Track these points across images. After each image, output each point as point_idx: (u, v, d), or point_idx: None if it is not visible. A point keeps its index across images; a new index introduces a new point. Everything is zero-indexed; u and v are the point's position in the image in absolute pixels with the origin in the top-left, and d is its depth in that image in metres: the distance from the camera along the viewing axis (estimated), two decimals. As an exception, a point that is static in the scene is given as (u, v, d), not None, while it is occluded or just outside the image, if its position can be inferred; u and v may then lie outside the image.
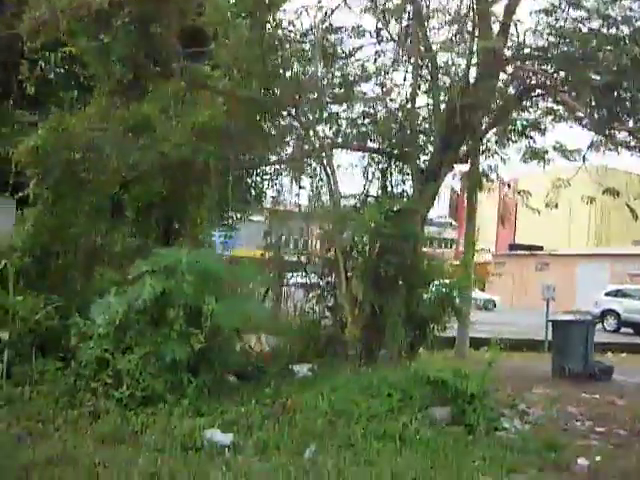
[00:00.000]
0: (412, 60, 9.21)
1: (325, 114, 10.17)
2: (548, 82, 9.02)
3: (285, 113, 8.65)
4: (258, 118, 8.72)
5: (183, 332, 6.60)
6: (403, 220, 9.05)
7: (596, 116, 8.95)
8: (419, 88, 9.84)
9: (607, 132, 9.20)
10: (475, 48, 10.15)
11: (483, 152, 13.96)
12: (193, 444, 5.74)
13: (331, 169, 8.92)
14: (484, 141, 13.65)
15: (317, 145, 8.96)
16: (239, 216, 10.23)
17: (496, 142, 13.51)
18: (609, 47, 8.09)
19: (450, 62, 10.01)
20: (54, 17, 6.52)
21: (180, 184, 8.63)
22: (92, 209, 8.23)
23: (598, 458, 6.57)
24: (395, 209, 8.89)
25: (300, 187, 9.14)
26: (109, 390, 6.45)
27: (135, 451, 5.52)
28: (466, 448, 6.42)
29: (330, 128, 9.99)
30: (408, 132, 9.37)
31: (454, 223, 60.73)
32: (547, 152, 13.35)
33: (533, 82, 9.33)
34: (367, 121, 10.07)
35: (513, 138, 13.47)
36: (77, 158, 8.10)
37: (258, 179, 9.55)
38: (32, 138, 7.89)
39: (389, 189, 9.66)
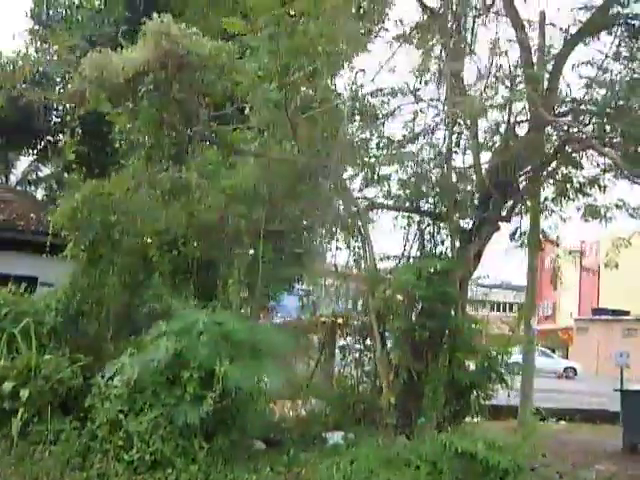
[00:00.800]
0: (448, 118, 9.02)
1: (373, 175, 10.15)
2: (583, 135, 8.62)
3: (321, 175, 8.57)
4: (293, 180, 8.70)
5: (197, 395, 6.45)
6: (440, 282, 8.72)
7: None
8: (458, 146, 9.62)
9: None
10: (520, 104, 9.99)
11: (541, 211, 13.55)
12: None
13: (366, 231, 8.75)
14: (542, 200, 13.25)
15: (353, 207, 8.84)
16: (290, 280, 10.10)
17: (553, 200, 13.12)
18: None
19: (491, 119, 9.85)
20: (83, 87, 6.86)
21: (214, 247, 8.66)
22: (125, 270, 8.36)
23: None
24: (431, 270, 8.57)
25: (337, 249, 8.98)
26: (120, 453, 6.35)
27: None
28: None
29: (380, 189, 9.93)
30: (444, 191, 9.09)
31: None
32: (607, 209, 12.82)
33: (571, 136, 8.93)
34: (407, 180, 9.88)
35: (571, 196, 13.06)
36: (113, 221, 8.29)
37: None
38: (70, 201, 8.17)
39: (427, 250, 9.33)
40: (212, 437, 6.65)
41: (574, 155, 11.34)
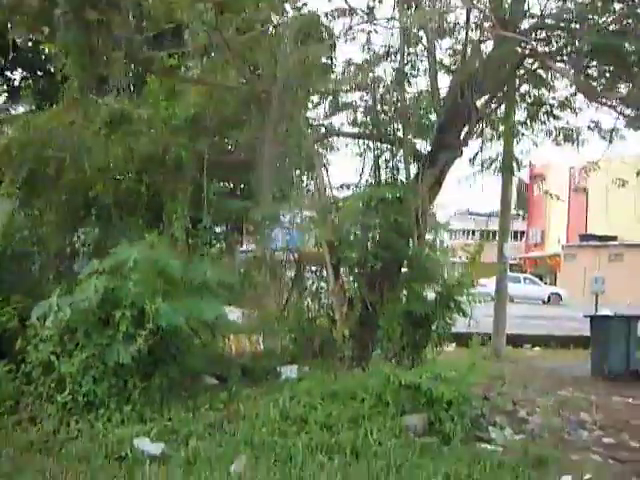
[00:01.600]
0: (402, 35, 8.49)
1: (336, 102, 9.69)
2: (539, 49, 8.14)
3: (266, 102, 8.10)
4: (237, 108, 8.24)
5: (129, 334, 6.24)
6: (393, 210, 8.42)
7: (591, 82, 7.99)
8: (414, 68, 9.12)
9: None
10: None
11: (515, 135, 13.16)
12: (118, 454, 5.38)
13: (316, 159, 8.37)
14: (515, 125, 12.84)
15: (302, 135, 8.41)
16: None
17: (523, 123, 12.70)
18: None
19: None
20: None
21: (158, 181, 8.30)
22: (64, 207, 8.02)
23: (587, 476, 5.77)
24: (383, 198, 8.25)
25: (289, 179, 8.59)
26: (53, 394, 6.19)
27: (52, 460, 5.21)
28: (430, 461, 5.75)
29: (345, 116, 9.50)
30: (399, 115, 8.65)
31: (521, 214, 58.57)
32: (580, 132, 12.43)
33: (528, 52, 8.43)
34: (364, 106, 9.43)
35: (542, 119, 12.63)
36: (48, 156, 7.89)
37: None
38: (2, 137, 7.75)
39: (383, 178, 8.96)
40: (149, 376, 6.47)
41: (542, 75, 10.90)
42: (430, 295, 8.86)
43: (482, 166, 13.63)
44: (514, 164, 13.89)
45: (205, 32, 7.59)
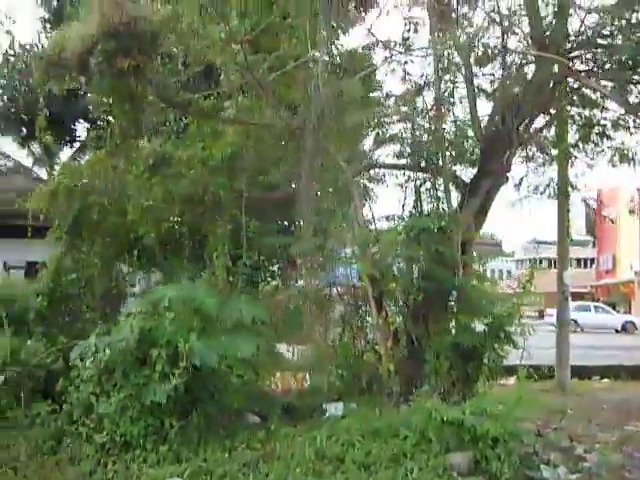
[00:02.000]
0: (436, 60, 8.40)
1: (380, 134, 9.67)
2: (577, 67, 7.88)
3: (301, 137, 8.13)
4: (274, 145, 8.31)
5: (165, 373, 6.25)
6: (435, 241, 8.22)
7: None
8: (452, 95, 8.99)
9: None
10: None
11: (568, 159, 12.81)
12: (149, 495, 5.34)
13: (354, 191, 8.31)
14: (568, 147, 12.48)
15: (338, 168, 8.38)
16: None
17: (575, 146, 12.33)
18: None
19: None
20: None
21: (199, 220, 8.42)
22: (108, 249, 8.22)
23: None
24: (423, 229, 8.06)
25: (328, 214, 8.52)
26: (92, 435, 6.25)
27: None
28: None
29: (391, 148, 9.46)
30: (438, 143, 8.50)
31: (592, 240, 56.47)
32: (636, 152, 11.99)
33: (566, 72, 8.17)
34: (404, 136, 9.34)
35: (594, 140, 12.25)
36: (92, 200, 8.15)
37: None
38: (48, 184, 8.06)
39: (425, 208, 8.80)
40: (187, 415, 6.45)
41: (590, 96, 10.57)
42: (479, 327, 8.59)
43: (537, 191, 13.40)
44: (569, 188, 13.54)
45: (238, 72, 7.71)
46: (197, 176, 8.29)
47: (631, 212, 11.90)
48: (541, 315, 37.57)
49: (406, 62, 9.11)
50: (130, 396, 6.27)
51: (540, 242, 76.20)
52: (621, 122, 11.83)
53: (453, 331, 8.46)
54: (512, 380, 14.38)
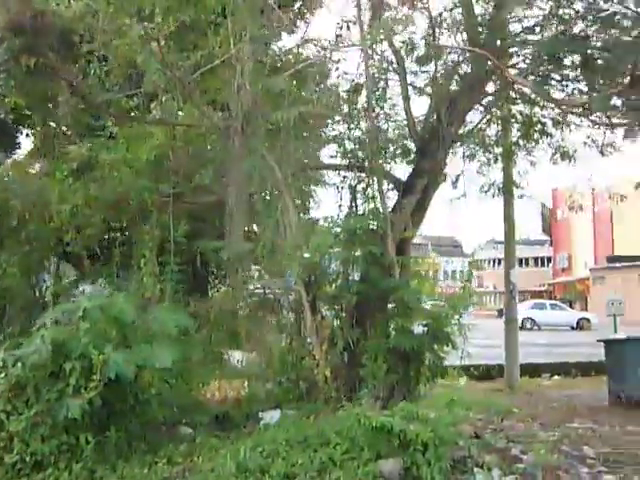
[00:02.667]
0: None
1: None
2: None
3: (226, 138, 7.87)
4: (200, 147, 8.02)
5: (80, 387, 5.91)
6: (367, 242, 8.07)
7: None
8: (385, 91, 8.85)
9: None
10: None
11: (511, 157, 12.85)
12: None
13: (284, 194, 8.07)
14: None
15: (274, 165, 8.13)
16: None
17: (517, 144, 12.35)
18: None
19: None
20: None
21: (126, 226, 8.08)
22: (28, 258, 7.82)
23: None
24: (357, 229, 7.89)
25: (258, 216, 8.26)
26: (2, 455, 5.87)
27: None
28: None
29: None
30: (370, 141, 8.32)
31: (548, 239, 57.42)
32: (575, 149, 12.06)
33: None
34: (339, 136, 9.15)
35: (535, 138, 12.30)
36: (11, 206, 7.74)
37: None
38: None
39: (359, 209, 8.62)
40: (104, 430, 6.11)
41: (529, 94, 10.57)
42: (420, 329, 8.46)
43: (482, 190, 13.38)
44: (514, 186, 13.54)
45: (160, 71, 7.41)
46: (122, 180, 7.93)
47: (571, 209, 11.92)
48: (500, 314, 37.92)
49: (339, 60, 8.92)
50: (42, 412, 5.91)
51: (498, 242, 77.61)
52: (560, 120, 11.92)
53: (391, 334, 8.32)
54: (462, 381, 14.45)
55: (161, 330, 6.43)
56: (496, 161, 13.12)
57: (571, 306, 43.23)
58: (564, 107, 8.54)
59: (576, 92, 8.55)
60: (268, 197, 8.20)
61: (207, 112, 7.80)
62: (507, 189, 13.64)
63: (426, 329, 8.33)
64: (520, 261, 69.56)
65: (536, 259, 64.20)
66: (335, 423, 6.75)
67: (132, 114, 7.98)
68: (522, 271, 64.32)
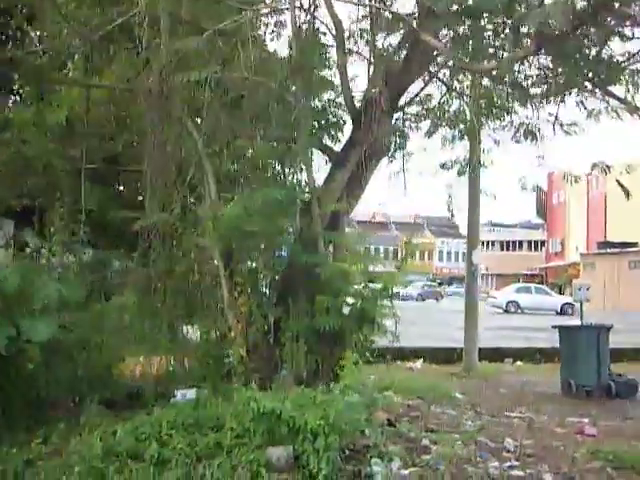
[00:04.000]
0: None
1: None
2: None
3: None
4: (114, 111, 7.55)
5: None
6: (293, 215, 7.64)
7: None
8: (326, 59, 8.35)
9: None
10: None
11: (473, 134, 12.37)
12: None
13: (207, 161, 7.63)
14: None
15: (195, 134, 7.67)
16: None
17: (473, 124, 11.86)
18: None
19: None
20: None
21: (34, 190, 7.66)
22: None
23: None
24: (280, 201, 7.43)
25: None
26: None
27: None
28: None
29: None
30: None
31: (542, 222, 56.84)
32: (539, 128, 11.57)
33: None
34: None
35: (497, 115, 11.83)
36: None
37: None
38: None
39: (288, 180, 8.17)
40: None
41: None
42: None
43: (444, 167, 12.92)
44: (478, 164, 13.06)
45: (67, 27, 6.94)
46: (34, 142, 7.49)
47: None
48: (488, 297, 37.66)
49: (267, 24, 8.41)
50: None
51: (495, 225, 77.13)
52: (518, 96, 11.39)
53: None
54: (419, 363, 14.12)
55: (43, 301, 6.02)
56: (462, 138, 12.64)
57: (560, 291, 42.89)
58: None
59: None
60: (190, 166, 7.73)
61: (124, 73, 7.30)
62: (473, 168, 13.16)
63: (350, 310, 7.88)
64: (514, 244, 69.39)
65: (530, 242, 63.70)
66: (234, 406, 6.38)
67: (43, 73, 7.50)
68: (515, 254, 64.20)
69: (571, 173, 11.71)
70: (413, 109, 12.04)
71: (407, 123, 12.22)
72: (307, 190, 7.82)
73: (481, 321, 28.08)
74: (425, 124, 12.17)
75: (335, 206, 8.07)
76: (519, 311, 33.57)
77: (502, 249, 66.74)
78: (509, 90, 10.07)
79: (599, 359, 10.79)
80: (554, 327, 11.70)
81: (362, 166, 8.43)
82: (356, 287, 7.92)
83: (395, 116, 11.61)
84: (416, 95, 9.65)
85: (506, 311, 34.05)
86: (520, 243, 65.10)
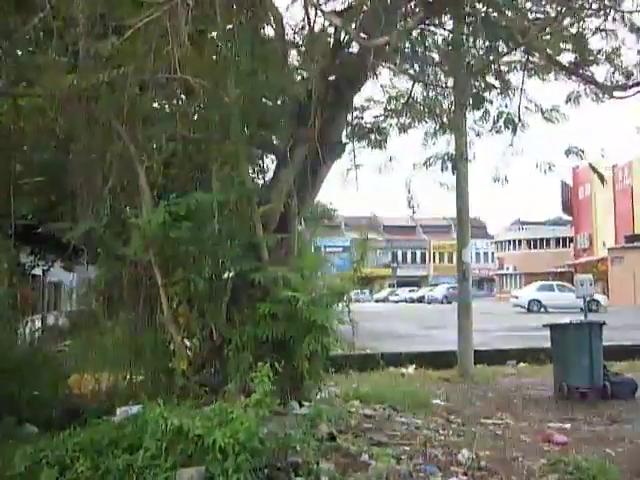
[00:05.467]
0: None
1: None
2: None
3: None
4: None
5: None
6: (231, 217, 7.25)
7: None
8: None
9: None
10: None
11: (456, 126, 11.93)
12: None
13: (139, 164, 7.28)
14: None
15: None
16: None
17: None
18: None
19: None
20: None
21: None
22: None
23: None
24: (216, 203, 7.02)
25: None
26: None
27: None
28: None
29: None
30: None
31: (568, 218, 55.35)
32: (519, 116, 11.05)
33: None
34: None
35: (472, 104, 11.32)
36: None
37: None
38: None
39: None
40: None
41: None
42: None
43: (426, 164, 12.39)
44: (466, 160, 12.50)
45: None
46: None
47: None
48: (514, 298, 36.63)
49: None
50: None
51: (524, 222, 75.55)
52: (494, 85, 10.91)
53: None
54: (411, 369, 13.54)
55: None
56: (444, 132, 12.14)
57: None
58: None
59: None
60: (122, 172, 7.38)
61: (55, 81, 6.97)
62: (457, 162, 12.59)
63: (294, 317, 7.39)
64: (542, 241, 67.61)
65: (558, 240, 62.01)
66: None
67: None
68: (543, 252, 62.48)
69: (595, 166, 11.06)
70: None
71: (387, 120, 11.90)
72: (245, 191, 7.37)
73: (500, 321, 27.34)
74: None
75: (275, 207, 7.67)
76: (542, 310, 32.51)
77: (529, 247, 65.16)
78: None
79: (592, 358, 10.09)
80: (545, 326, 11.01)
81: (310, 165, 8.00)
82: (299, 293, 7.38)
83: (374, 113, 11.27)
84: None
85: (529, 310, 33.02)
86: (548, 240, 63.41)
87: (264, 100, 8.05)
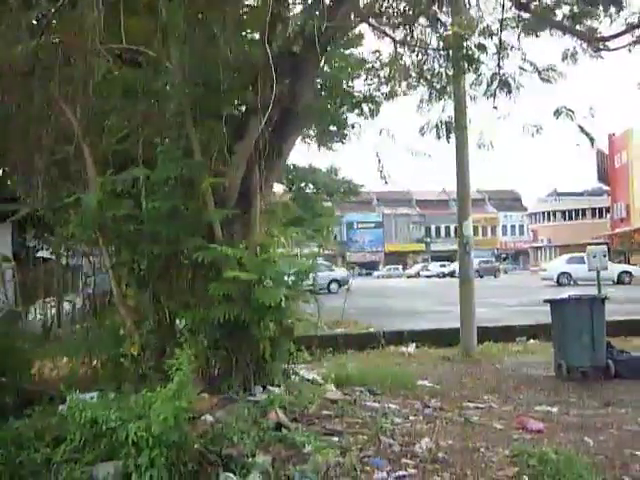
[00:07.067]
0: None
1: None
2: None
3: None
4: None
5: None
6: (182, 194, 6.83)
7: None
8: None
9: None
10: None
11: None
12: None
13: (84, 139, 6.90)
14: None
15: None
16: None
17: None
18: None
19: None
20: None
21: None
22: None
23: None
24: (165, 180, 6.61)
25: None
26: None
27: None
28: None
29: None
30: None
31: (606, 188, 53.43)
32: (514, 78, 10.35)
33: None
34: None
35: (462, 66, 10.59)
36: None
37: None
38: None
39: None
40: None
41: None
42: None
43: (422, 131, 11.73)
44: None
45: None
46: None
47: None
48: (543, 270, 35.59)
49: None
50: None
51: (560, 194, 73.40)
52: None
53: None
54: (411, 348, 13.00)
55: None
56: (439, 97, 11.45)
57: (626, 259, 40.06)
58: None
59: None
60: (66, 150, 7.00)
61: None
62: (457, 130, 11.90)
63: (249, 299, 6.97)
64: (577, 212, 65.57)
65: (594, 210, 59.99)
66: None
67: None
68: (579, 223, 60.54)
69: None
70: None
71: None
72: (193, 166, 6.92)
73: (523, 295, 26.48)
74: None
75: (231, 181, 7.20)
76: (572, 283, 31.41)
77: (564, 219, 63.29)
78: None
79: (593, 336, 9.42)
80: (545, 301, 10.32)
81: (267, 136, 7.49)
82: (246, 273, 6.90)
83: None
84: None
85: (559, 283, 31.95)
86: (584, 211, 61.40)
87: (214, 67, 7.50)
